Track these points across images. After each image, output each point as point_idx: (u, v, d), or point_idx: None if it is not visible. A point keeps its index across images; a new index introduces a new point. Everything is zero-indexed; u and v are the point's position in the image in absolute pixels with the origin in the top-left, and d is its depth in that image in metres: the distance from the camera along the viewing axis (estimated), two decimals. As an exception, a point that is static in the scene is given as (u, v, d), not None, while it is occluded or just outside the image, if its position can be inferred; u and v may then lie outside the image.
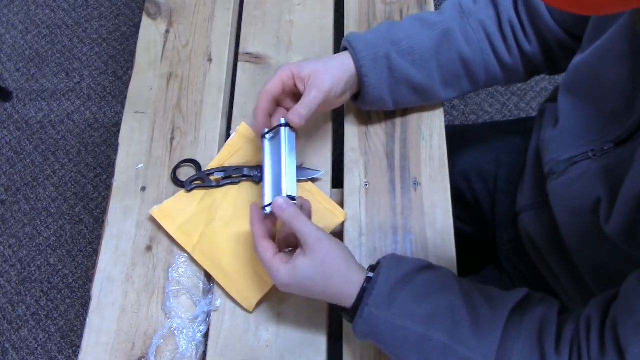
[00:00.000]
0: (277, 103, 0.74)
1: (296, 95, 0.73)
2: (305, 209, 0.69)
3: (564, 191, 0.69)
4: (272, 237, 0.67)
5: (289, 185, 0.69)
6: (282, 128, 0.71)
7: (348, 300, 0.62)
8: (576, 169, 0.66)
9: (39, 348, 1.54)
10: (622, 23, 0.60)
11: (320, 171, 0.79)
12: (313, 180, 0.79)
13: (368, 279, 0.62)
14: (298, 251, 0.63)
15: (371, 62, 0.73)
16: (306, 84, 0.71)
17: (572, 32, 0.73)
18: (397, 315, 0.60)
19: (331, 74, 0.72)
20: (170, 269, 0.75)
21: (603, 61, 0.63)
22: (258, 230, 0.66)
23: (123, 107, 0.87)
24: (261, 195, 0.79)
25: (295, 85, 0.72)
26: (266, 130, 0.72)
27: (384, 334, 0.60)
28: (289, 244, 0.68)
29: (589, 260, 0.71)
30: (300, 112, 0.69)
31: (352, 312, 0.62)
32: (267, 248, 0.64)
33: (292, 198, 0.68)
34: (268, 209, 0.68)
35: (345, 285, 0.62)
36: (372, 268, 0.64)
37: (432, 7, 0.89)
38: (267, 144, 0.73)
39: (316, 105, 0.70)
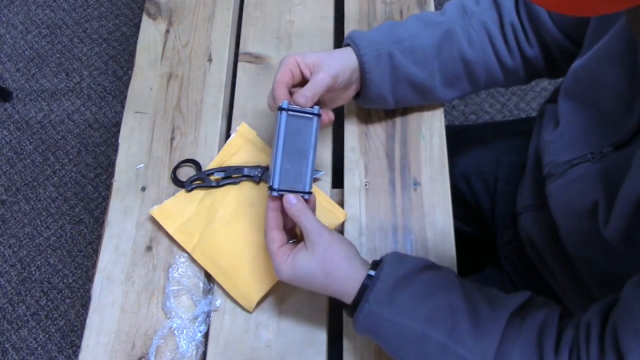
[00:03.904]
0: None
1: (304, 85, 0.72)
2: (310, 201, 0.68)
3: (562, 193, 0.69)
4: (285, 227, 0.67)
5: (310, 181, 0.68)
6: (315, 117, 0.68)
7: (349, 296, 0.62)
8: (575, 171, 0.66)
9: (39, 348, 1.54)
10: (620, 26, 0.60)
11: (321, 171, 0.79)
12: (313, 180, 0.79)
13: (369, 276, 0.62)
14: (300, 245, 0.64)
15: (374, 59, 0.73)
16: (312, 70, 0.70)
17: (573, 36, 0.73)
18: (398, 313, 0.60)
19: (337, 59, 0.71)
20: (170, 269, 0.75)
21: (602, 64, 0.63)
22: (271, 219, 0.66)
23: (123, 107, 0.87)
24: (261, 195, 0.78)
25: (301, 73, 0.71)
26: (287, 104, 0.67)
27: (384, 330, 0.61)
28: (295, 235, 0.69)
29: (588, 262, 0.71)
30: (306, 93, 0.67)
31: (353, 307, 0.62)
32: (275, 239, 0.64)
33: (309, 192, 0.68)
34: (275, 193, 0.65)
35: (346, 281, 0.62)
36: (374, 264, 0.64)
37: (432, 7, 0.89)
38: (285, 118, 0.67)
39: (323, 87, 0.68)
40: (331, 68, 0.69)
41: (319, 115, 0.69)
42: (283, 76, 0.69)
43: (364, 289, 0.61)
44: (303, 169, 0.68)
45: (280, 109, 0.67)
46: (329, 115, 0.72)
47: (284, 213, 0.67)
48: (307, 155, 0.68)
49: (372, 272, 0.62)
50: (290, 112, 0.67)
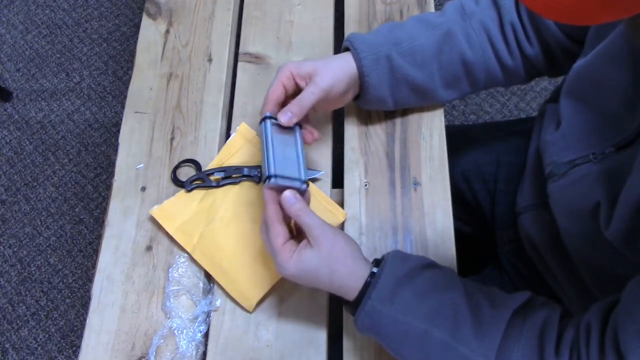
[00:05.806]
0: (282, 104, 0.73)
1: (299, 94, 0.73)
2: (305, 196, 0.68)
3: (564, 193, 0.69)
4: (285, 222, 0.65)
5: (304, 172, 0.68)
6: (296, 127, 0.71)
7: (352, 293, 0.62)
8: (577, 171, 0.66)
9: (39, 348, 1.54)
10: (623, 27, 0.60)
11: (321, 171, 0.79)
12: (313, 180, 0.79)
13: (372, 274, 0.62)
14: (304, 242, 0.63)
15: (372, 62, 0.73)
16: (307, 81, 0.70)
17: (574, 35, 0.73)
18: (400, 311, 0.60)
19: (332, 71, 0.71)
20: (170, 269, 0.75)
21: (604, 65, 0.63)
22: (272, 212, 0.63)
23: (123, 107, 0.87)
24: (262, 195, 0.78)
25: (296, 84, 0.71)
26: (268, 114, 0.69)
27: (386, 328, 0.61)
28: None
29: (588, 262, 0.71)
30: (292, 109, 0.68)
31: (355, 305, 0.62)
32: (279, 233, 0.63)
33: (306, 182, 0.67)
34: (273, 180, 0.64)
35: (351, 277, 0.62)
36: (376, 262, 0.64)
37: (432, 8, 0.89)
38: (269, 126, 0.69)
39: (311, 102, 0.69)
40: (324, 81, 0.70)
41: (300, 126, 0.71)
42: (274, 93, 0.70)
43: (366, 286, 0.61)
44: (295, 163, 0.69)
45: (264, 118, 0.69)
46: (313, 136, 0.73)
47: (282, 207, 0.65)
48: (296, 157, 0.69)
49: (375, 269, 0.62)
50: (273, 121, 0.69)
